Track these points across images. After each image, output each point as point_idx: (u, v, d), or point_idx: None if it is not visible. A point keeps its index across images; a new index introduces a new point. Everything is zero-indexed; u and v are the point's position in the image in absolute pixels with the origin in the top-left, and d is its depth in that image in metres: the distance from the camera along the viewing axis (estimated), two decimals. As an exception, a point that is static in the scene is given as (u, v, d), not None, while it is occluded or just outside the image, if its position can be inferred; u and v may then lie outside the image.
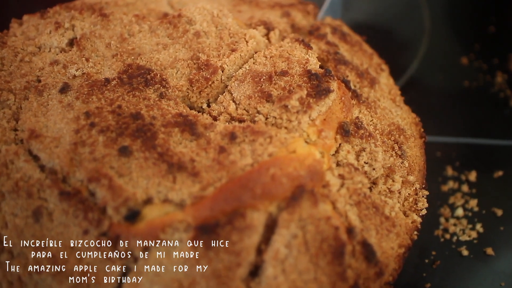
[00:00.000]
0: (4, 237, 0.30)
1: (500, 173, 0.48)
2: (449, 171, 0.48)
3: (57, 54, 0.37)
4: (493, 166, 0.48)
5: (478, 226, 0.44)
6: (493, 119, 0.52)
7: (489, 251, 0.43)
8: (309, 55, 0.37)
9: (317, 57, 0.38)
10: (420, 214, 0.35)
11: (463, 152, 0.49)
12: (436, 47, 0.55)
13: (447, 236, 0.44)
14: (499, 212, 0.45)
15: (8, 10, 0.52)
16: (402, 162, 0.36)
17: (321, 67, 0.37)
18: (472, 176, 0.48)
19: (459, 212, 0.45)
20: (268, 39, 0.39)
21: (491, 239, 0.42)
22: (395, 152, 0.37)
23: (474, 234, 0.44)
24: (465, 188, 0.47)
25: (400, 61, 0.55)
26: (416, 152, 0.38)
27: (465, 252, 0.43)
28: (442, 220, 0.45)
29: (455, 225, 0.45)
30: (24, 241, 0.30)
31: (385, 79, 0.42)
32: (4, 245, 0.30)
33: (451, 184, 0.47)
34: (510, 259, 0.41)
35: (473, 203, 0.46)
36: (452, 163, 0.49)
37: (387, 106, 0.40)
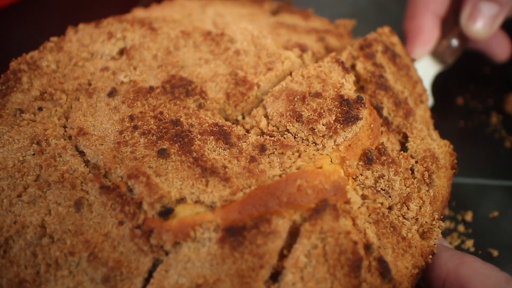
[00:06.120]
0: (47, 223, 0.33)
1: (495, 213, 0.48)
2: (446, 211, 0.49)
3: (107, 61, 0.41)
4: (489, 206, 0.49)
5: (474, 267, 0.44)
6: (488, 159, 0.53)
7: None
8: (345, 79, 0.38)
9: (360, 77, 0.39)
10: (432, 243, 0.36)
11: (459, 192, 0.49)
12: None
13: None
14: (495, 253, 0.45)
15: (10, 45, 0.54)
16: (427, 190, 0.37)
17: (361, 87, 0.38)
18: (468, 216, 0.48)
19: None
20: (302, 60, 0.41)
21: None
22: (424, 180, 0.37)
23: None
24: (461, 228, 0.47)
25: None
26: (444, 183, 0.39)
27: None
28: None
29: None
30: (64, 228, 0.32)
31: (422, 111, 0.43)
32: (46, 230, 0.33)
33: (447, 224, 0.48)
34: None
35: (469, 243, 0.46)
36: (448, 203, 0.48)
37: (423, 128, 0.40)
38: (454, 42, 0.51)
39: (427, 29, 0.49)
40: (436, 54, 0.51)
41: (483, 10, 0.48)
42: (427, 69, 0.51)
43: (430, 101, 0.48)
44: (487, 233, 0.47)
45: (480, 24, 0.49)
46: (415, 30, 0.50)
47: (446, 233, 0.47)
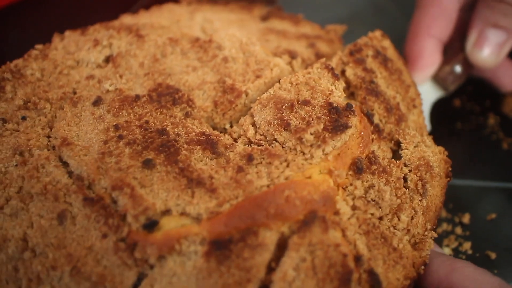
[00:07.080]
0: (29, 236, 0.32)
1: (493, 215, 0.48)
2: (443, 213, 0.48)
3: (93, 69, 0.40)
4: (487, 208, 0.48)
5: (472, 269, 0.44)
6: (485, 161, 0.52)
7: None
8: (335, 85, 0.37)
9: (350, 83, 0.38)
10: (424, 254, 0.35)
11: (456, 194, 0.49)
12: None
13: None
14: (493, 255, 0.44)
15: (8, 44, 0.54)
16: (420, 200, 0.36)
17: (351, 93, 0.37)
18: (466, 218, 0.47)
19: (446, 252, 0.45)
20: (291, 67, 0.41)
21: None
22: (417, 190, 0.36)
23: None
24: (458, 230, 0.47)
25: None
26: (438, 192, 0.38)
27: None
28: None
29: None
30: (47, 241, 0.32)
31: (415, 116, 0.42)
32: (28, 244, 0.32)
33: (444, 226, 0.47)
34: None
35: (466, 245, 0.45)
36: (445, 205, 0.48)
37: (416, 134, 0.39)
38: (458, 68, 0.49)
39: (427, 54, 0.48)
40: (438, 80, 0.50)
41: (490, 37, 0.46)
42: (427, 95, 0.49)
43: (428, 127, 0.47)
44: (485, 235, 0.46)
45: (487, 52, 0.47)
46: (415, 54, 0.48)
47: (443, 236, 0.46)
